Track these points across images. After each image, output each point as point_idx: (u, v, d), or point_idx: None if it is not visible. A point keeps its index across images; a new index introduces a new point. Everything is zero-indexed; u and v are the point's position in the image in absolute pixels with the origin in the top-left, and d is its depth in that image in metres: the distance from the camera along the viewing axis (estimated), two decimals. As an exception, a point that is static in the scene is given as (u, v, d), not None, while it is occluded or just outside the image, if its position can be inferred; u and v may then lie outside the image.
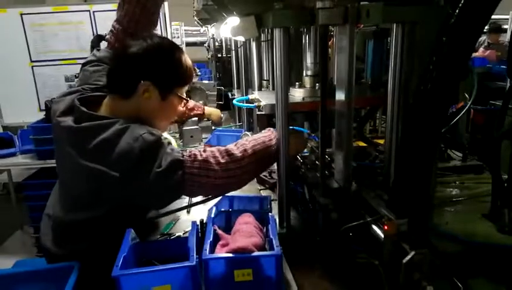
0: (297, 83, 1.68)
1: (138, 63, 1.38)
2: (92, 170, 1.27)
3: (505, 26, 7.36)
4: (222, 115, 3.30)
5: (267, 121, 1.68)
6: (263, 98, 1.65)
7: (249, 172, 1.42)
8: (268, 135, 1.49)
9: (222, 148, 1.40)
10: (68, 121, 1.36)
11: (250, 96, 1.86)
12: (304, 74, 1.69)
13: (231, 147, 1.41)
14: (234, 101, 2.10)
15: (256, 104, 1.67)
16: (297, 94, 1.65)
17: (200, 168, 1.32)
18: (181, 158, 1.31)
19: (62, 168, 1.49)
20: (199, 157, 1.33)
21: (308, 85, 1.66)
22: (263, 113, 1.59)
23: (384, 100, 1.35)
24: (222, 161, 1.35)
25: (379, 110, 2.30)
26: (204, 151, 1.37)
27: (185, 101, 1.52)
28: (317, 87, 1.61)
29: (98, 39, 2.87)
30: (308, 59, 1.65)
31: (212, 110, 3.18)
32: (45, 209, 1.57)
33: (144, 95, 1.38)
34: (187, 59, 1.49)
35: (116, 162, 1.25)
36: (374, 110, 2.15)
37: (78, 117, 1.36)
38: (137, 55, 1.37)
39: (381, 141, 1.94)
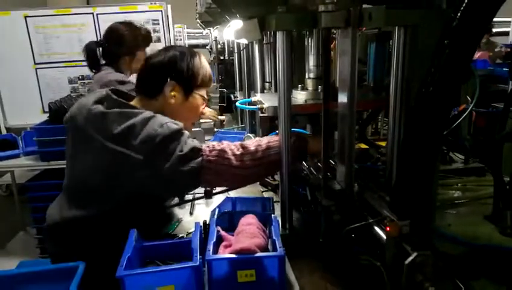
0: (299, 86, 1.69)
1: (164, 67, 1.56)
2: (116, 153, 1.36)
3: (507, 29, 7.37)
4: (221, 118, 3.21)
5: (270, 123, 1.68)
6: (266, 100, 1.66)
7: (263, 165, 1.47)
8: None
9: (237, 142, 1.48)
10: (99, 107, 1.47)
11: (253, 99, 1.88)
12: (307, 77, 1.70)
13: (246, 142, 1.50)
14: (237, 104, 2.11)
15: (258, 106, 1.68)
16: (299, 96, 1.66)
17: (217, 156, 1.40)
18: (200, 146, 1.41)
19: (79, 162, 1.52)
20: (217, 147, 1.42)
21: (310, 88, 1.67)
22: (266, 115, 1.60)
23: (386, 103, 1.36)
24: (237, 152, 1.43)
25: (381, 112, 2.31)
26: (222, 143, 1.46)
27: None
28: (319, 90, 1.62)
29: (89, 49, 2.86)
30: (311, 62, 1.66)
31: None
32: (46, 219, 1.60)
33: (171, 93, 1.55)
34: (206, 63, 1.65)
35: (140, 146, 1.35)
36: (376, 113, 2.16)
37: (110, 106, 1.46)
38: (163, 60, 1.56)
39: (383, 143, 1.95)
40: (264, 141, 1.50)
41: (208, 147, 1.43)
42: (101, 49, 2.82)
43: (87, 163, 1.47)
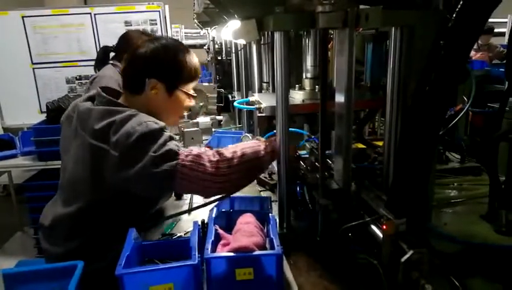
0: (297, 85, 1.70)
1: (146, 62, 1.51)
2: (97, 148, 1.37)
3: (503, 30, 7.41)
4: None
5: (268, 122, 1.69)
6: (263, 100, 1.67)
7: (239, 172, 1.41)
8: (257, 143, 1.51)
9: (214, 149, 1.45)
10: (87, 104, 1.49)
11: (251, 99, 1.89)
12: (304, 77, 1.71)
13: (221, 149, 1.45)
14: (235, 103, 2.12)
15: (256, 106, 1.69)
16: (297, 96, 1.67)
17: (192, 162, 1.34)
18: (177, 150, 1.35)
19: (70, 157, 1.53)
20: (193, 152, 1.37)
21: (308, 87, 1.68)
22: (264, 115, 1.61)
23: (383, 102, 1.37)
24: (213, 159, 1.38)
25: (378, 112, 2.32)
26: (200, 149, 1.42)
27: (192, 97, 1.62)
28: (317, 90, 1.63)
29: (104, 52, 2.89)
30: (308, 62, 1.67)
31: None
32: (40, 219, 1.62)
33: (152, 91, 1.50)
34: (193, 58, 1.58)
35: (117, 142, 1.34)
36: (373, 113, 2.17)
37: (98, 102, 1.48)
38: (145, 55, 1.50)
39: (380, 143, 1.96)
40: (240, 147, 1.46)
41: (185, 151, 1.38)
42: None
43: (75, 159, 1.49)
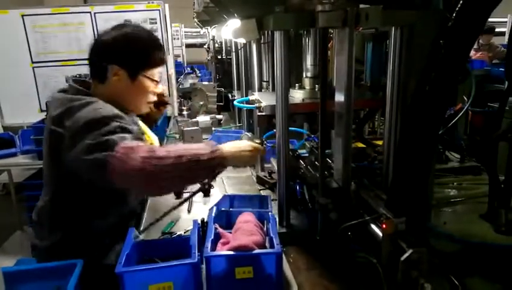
0: (297, 85, 1.70)
1: (106, 49, 1.52)
2: (54, 133, 1.41)
3: (503, 29, 7.41)
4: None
5: (268, 121, 1.69)
6: (263, 99, 1.67)
7: (169, 173, 1.28)
8: (203, 147, 1.36)
9: (151, 146, 1.39)
10: (57, 95, 1.52)
11: (251, 98, 1.89)
12: (304, 76, 1.71)
13: (159, 147, 1.42)
14: (235, 102, 2.12)
15: (256, 105, 1.69)
16: (297, 95, 1.67)
17: (123, 154, 1.25)
18: (117, 141, 1.28)
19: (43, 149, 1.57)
20: (129, 144, 1.28)
21: (308, 86, 1.68)
22: (263, 114, 1.61)
23: (383, 102, 1.37)
24: (144, 154, 1.25)
25: (378, 111, 2.33)
26: (145, 142, 1.38)
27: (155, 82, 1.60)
28: (317, 89, 1.63)
29: None
30: (308, 61, 1.67)
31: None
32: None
33: (114, 77, 1.51)
34: (156, 44, 1.59)
35: (69, 127, 1.37)
36: (373, 112, 2.17)
37: (69, 93, 1.51)
38: (106, 42, 1.52)
39: (380, 142, 1.96)
40: (182, 147, 1.36)
41: (124, 144, 1.28)
42: None
43: (43, 148, 1.53)
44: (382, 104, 1.40)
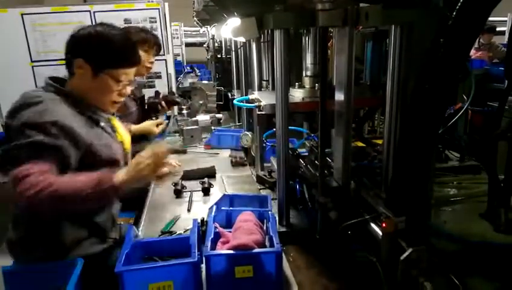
0: (297, 83, 1.70)
1: (75, 43, 1.54)
2: (7, 126, 1.44)
3: (503, 28, 7.40)
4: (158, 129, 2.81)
5: (267, 121, 1.69)
6: (263, 98, 1.67)
7: (45, 206, 1.32)
8: (90, 179, 1.35)
9: (33, 178, 1.30)
10: (32, 92, 1.53)
11: (251, 97, 1.88)
12: (304, 75, 1.70)
13: (41, 179, 1.30)
14: (234, 101, 2.12)
15: (256, 104, 1.69)
16: (297, 94, 1.67)
17: (10, 180, 1.31)
18: (24, 159, 1.31)
19: None
20: (16, 172, 1.30)
21: (307, 85, 1.68)
22: (263, 113, 1.61)
23: (383, 101, 1.37)
24: (18, 189, 1.28)
25: (378, 110, 2.32)
26: (30, 175, 1.30)
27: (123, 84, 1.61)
28: (316, 88, 1.63)
29: None
30: (308, 60, 1.67)
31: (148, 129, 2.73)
32: None
33: (79, 70, 1.52)
34: (128, 45, 1.60)
35: (14, 123, 1.39)
36: (373, 111, 2.17)
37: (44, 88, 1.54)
38: (76, 36, 1.55)
39: (380, 141, 1.96)
40: (63, 184, 1.32)
41: (26, 166, 1.30)
42: None
43: None
44: (382, 103, 1.39)
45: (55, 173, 1.35)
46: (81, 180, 1.36)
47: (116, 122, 1.75)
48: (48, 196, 1.29)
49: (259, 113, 1.65)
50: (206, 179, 2.12)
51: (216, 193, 2.03)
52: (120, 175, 1.38)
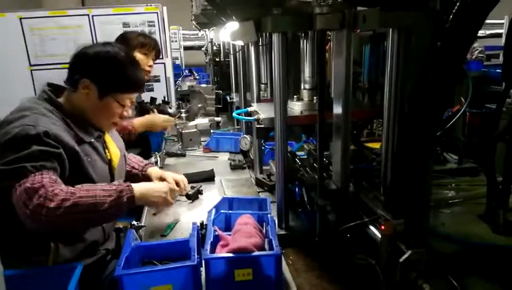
0: (295, 96, 1.70)
1: (85, 62, 1.54)
2: None
3: (500, 31, 7.43)
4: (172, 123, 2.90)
5: (267, 133, 1.70)
6: (262, 111, 1.67)
7: (60, 222, 1.30)
8: (109, 191, 1.38)
9: (52, 189, 1.29)
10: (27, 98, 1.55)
11: (250, 109, 1.89)
12: (302, 87, 1.71)
13: (59, 191, 1.29)
14: (233, 114, 2.11)
15: (255, 117, 1.69)
16: (295, 108, 1.67)
17: (22, 193, 1.26)
18: (28, 172, 1.29)
19: None
20: (31, 183, 1.27)
21: (306, 98, 1.68)
22: (262, 126, 1.62)
23: (381, 103, 1.38)
24: (38, 201, 1.26)
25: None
26: (45, 185, 1.29)
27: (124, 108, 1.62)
28: (315, 101, 1.63)
29: None
30: (306, 73, 1.67)
31: (151, 120, 2.77)
32: None
33: (83, 90, 1.52)
34: (136, 72, 1.61)
35: (0, 136, 1.38)
36: (370, 120, 2.17)
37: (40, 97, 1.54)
38: (87, 54, 1.55)
39: (377, 145, 1.96)
40: (77, 195, 1.31)
41: (32, 179, 1.28)
42: None
43: None
44: (379, 113, 1.39)
45: (60, 183, 1.33)
46: (101, 190, 1.37)
47: (108, 137, 1.72)
48: (71, 206, 1.28)
49: (258, 126, 1.66)
50: (197, 185, 2.08)
51: (215, 196, 2.03)
52: (137, 189, 1.43)
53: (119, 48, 1.61)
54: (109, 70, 1.54)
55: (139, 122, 2.62)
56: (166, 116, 2.84)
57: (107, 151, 1.66)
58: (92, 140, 1.57)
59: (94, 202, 1.33)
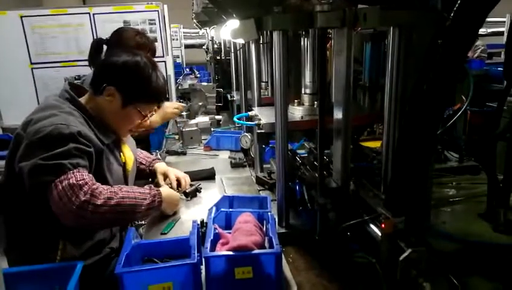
0: (296, 101, 1.70)
1: (113, 70, 1.57)
2: (18, 136, 1.44)
3: (501, 29, 7.42)
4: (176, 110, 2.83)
5: (267, 137, 1.71)
6: (263, 116, 1.67)
7: (103, 219, 1.38)
8: (145, 194, 1.52)
9: (95, 187, 1.36)
10: (49, 98, 1.58)
11: (250, 113, 1.89)
12: (303, 92, 1.71)
13: (102, 189, 1.38)
14: (234, 118, 2.12)
15: (256, 122, 1.69)
16: (296, 112, 1.67)
17: (64, 189, 1.30)
18: (66, 169, 1.32)
19: None
20: (72, 181, 1.31)
21: (306, 103, 1.68)
22: (263, 131, 1.62)
23: (381, 102, 1.38)
24: (84, 197, 1.32)
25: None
26: (88, 183, 1.35)
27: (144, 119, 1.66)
28: (315, 105, 1.63)
29: (97, 44, 2.87)
30: (307, 78, 1.67)
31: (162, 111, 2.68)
32: None
33: (107, 97, 1.55)
34: (160, 84, 1.63)
35: (28, 134, 1.39)
36: (371, 125, 2.18)
37: (61, 96, 1.56)
38: (116, 63, 1.57)
39: (378, 143, 1.96)
40: (119, 195, 1.40)
41: (72, 175, 1.32)
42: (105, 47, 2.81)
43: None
44: (379, 117, 1.39)
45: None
46: (138, 193, 1.48)
47: (123, 141, 1.75)
48: (114, 205, 1.37)
49: (259, 131, 1.66)
50: (196, 183, 2.08)
51: (215, 195, 2.03)
52: (163, 195, 1.58)
53: (147, 58, 1.64)
54: (136, 81, 1.57)
55: (155, 119, 2.62)
56: (174, 103, 2.88)
57: (122, 154, 1.69)
58: (110, 143, 1.59)
59: (134, 203, 1.44)
